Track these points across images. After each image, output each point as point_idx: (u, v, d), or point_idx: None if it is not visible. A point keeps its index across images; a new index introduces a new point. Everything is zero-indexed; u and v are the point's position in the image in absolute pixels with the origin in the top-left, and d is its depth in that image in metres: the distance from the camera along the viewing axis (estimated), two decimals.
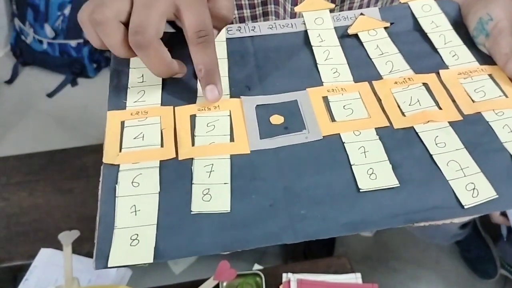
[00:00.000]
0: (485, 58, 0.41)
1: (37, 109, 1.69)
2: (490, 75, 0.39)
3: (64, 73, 1.75)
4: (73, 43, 1.70)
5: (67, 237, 0.59)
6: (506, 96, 0.38)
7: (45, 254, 0.65)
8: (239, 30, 0.44)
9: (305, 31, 0.44)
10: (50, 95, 1.72)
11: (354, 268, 0.66)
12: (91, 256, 0.92)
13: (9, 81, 1.76)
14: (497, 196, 0.32)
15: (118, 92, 0.39)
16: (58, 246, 0.58)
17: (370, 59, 0.41)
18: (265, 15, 0.72)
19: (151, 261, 0.29)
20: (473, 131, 0.35)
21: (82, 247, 0.92)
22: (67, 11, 1.67)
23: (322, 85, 0.39)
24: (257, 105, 0.38)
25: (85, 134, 1.58)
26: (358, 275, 0.63)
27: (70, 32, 1.69)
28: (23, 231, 0.95)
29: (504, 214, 0.86)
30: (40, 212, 0.98)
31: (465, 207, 0.31)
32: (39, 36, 1.71)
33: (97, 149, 1.13)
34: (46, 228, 1.03)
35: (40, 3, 1.68)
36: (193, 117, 0.37)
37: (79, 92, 1.74)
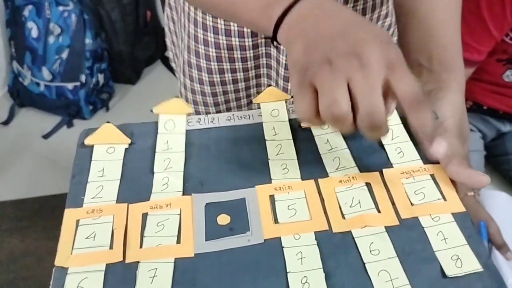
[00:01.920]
0: None
1: (33, 150, 1.70)
2: (432, 175, 0.40)
3: (60, 114, 1.77)
4: (69, 85, 1.73)
5: None
6: (445, 200, 0.38)
7: None
8: (199, 122, 0.45)
9: (261, 123, 0.45)
10: (45, 136, 1.73)
11: None
12: None
13: (5, 122, 1.77)
14: None
15: (78, 188, 0.40)
16: None
17: (319, 154, 0.42)
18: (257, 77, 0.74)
19: None
20: (408, 237, 0.36)
21: None
22: (64, 54, 1.71)
23: (271, 182, 0.40)
24: (207, 203, 0.38)
25: None
26: None
27: (67, 75, 1.72)
28: (13, 278, 0.94)
29: None
30: (30, 259, 0.98)
31: None
32: (37, 78, 1.74)
33: None
34: (35, 275, 1.03)
35: (38, 47, 1.72)
36: (145, 216, 0.37)
37: (75, 134, 1.75)
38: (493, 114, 1.06)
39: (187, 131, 0.44)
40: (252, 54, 0.68)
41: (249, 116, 0.46)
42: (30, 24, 1.72)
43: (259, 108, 0.46)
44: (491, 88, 1.02)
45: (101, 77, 1.78)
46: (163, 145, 0.42)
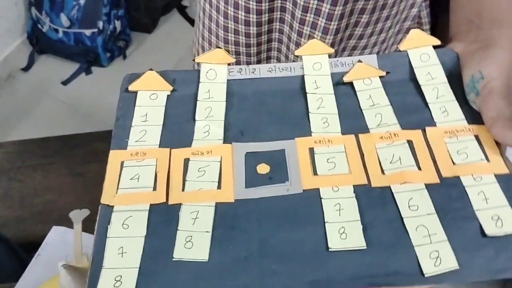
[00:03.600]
0: (475, 116, 0.40)
1: (52, 96, 1.73)
2: (476, 136, 0.39)
3: (79, 61, 1.79)
4: (87, 32, 1.74)
5: (78, 215, 0.63)
6: (488, 161, 0.37)
7: (56, 232, 0.69)
8: (240, 72, 0.45)
9: (303, 76, 0.44)
10: (64, 82, 1.76)
11: None
12: None
13: (25, 69, 1.80)
14: (458, 267, 0.32)
15: (122, 131, 0.40)
16: (70, 226, 0.62)
17: (361, 110, 0.41)
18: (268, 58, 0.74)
19: None
20: (448, 196, 0.35)
21: (93, 228, 0.96)
22: (82, 1, 1.71)
23: (311, 135, 0.40)
24: (247, 153, 0.39)
25: (97, 121, 1.63)
26: None
27: (85, 21, 1.72)
28: (37, 211, 0.99)
29: None
30: (53, 194, 1.02)
31: (426, 275, 0.31)
32: (55, 25, 1.75)
33: (107, 136, 1.17)
34: (58, 209, 1.08)
35: None
36: (186, 161, 0.38)
37: (93, 80, 1.78)
38: None
39: (228, 80, 0.44)
40: (267, 18, 0.67)
41: (291, 69, 0.45)
42: None
43: (301, 60, 0.45)
44: None
45: (118, 24, 1.79)
46: (204, 94, 0.43)
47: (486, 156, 0.38)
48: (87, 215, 0.63)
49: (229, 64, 0.45)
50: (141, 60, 1.84)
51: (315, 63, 0.45)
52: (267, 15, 0.67)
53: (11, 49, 1.79)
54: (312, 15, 0.64)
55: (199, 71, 0.45)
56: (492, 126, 0.37)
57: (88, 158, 1.13)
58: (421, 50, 0.44)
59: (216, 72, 0.44)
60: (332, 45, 0.66)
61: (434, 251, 0.32)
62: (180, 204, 0.36)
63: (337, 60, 0.45)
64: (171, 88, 0.43)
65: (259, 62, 0.74)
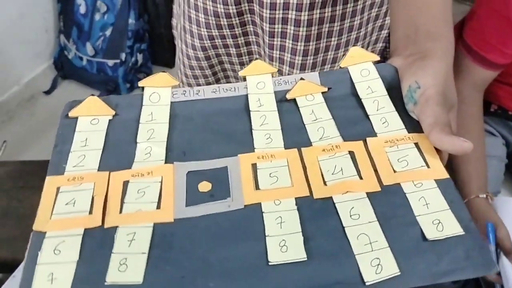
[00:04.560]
0: (415, 125, 0.40)
1: None
2: (416, 144, 0.39)
3: (99, 89, 1.84)
4: (110, 62, 1.80)
5: None
6: (428, 167, 0.38)
7: None
8: (184, 94, 0.44)
9: (247, 95, 0.44)
10: None
11: None
12: None
13: (48, 92, 1.86)
14: (399, 273, 0.31)
15: (60, 156, 0.40)
16: None
17: (304, 124, 0.42)
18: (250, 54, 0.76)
19: None
20: (390, 203, 0.36)
21: None
22: (108, 32, 1.78)
23: (254, 151, 0.40)
24: (189, 172, 0.39)
25: None
26: None
27: (109, 52, 1.79)
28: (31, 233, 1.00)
29: (498, 273, 0.85)
30: None
31: (367, 283, 0.31)
32: (80, 52, 1.82)
33: None
34: None
35: (85, 23, 1.80)
36: (126, 183, 0.37)
37: None
38: None
39: (172, 103, 0.44)
40: (238, 21, 0.69)
41: (235, 89, 0.45)
42: (79, 1, 1.80)
43: (245, 81, 0.46)
44: None
45: (140, 57, 1.84)
46: (147, 116, 0.42)
47: (426, 162, 0.38)
48: None
49: (173, 87, 0.45)
50: None
51: (258, 82, 0.45)
52: (237, 18, 0.69)
53: (37, 72, 1.87)
54: (280, 25, 0.66)
55: (142, 95, 0.45)
56: (431, 133, 0.38)
57: None
58: (361, 66, 0.45)
59: (159, 95, 0.44)
60: (305, 54, 0.68)
61: (375, 259, 0.32)
62: (116, 227, 0.35)
63: (280, 79, 0.46)
64: (113, 112, 0.43)
65: (240, 58, 0.76)
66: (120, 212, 0.36)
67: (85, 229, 0.34)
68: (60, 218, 0.35)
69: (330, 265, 0.32)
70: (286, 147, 0.40)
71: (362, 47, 0.69)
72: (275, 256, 0.33)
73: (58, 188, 0.37)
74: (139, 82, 0.45)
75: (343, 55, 0.68)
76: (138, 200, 0.36)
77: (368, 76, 0.45)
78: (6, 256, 0.94)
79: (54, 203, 0.36)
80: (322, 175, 0.38)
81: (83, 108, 0.43)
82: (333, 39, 0.67)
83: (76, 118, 0.42)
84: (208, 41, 0.73)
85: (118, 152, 0.40)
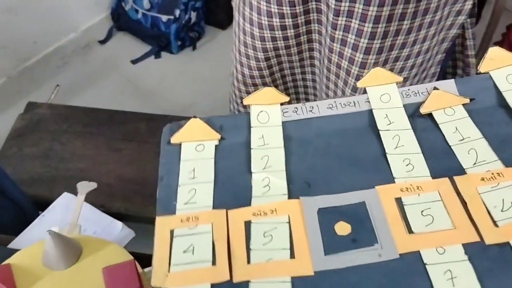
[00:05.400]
0: None
1: (120, 72, 1.82)
2: None
3: (151, 44, 1.86)
4: (164, 18, 1.80)
5: (84, 186, 0.64)
6: None
7: (66, 198, 0.71)
8: (296, 112, 0.39)
9: (370, 111, 0.39)
10: (134, 61, 1.84)
11: None
12: (120, 215, 0.98)
13: (103, 41, 1.90)
14: None
15: (168, 191, 0.36)
16: (90, 197, 0.63)
17: (449, 146, 0.36)
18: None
19: None
20: None
21: (113, 204, 0.99)
22: None
23: (394, 181, 0.34)
24: (319, 209, 0.33)
25: (154, 103, 1.68)
26: None
27: (164, 7, 1.79)
28: (68, 176, 1.04)
29: None
30: (87, 163, 1.07)
31: None
32: (137, 5, 1.83)
33: (153, 118, 1.21)
34: (88, 178, 1.12)
35: None
36: (247, 224, 0.33)
37: (160, 65, 1.84)
38: None
39: (283, 123, 0.39)
40: (303, 20, 0.67)
41: (354, 103, 0.39)
42: None
43: (365, 93, 0.40)
44: None
45: (193, 15, 1.84)
46: (258, 141, 0.37)
47: None
48: (94, 189, 0.64)
49: (282, 104, 0.40)
50: (209, 54, 1.88)
51: (382, 94, 0.39)
52: (302, 17, 0.65)
53: (94, 21, 1.90)
54: (344, 18, 0.61)
55: (248, 114, 0.40)
56: None
57: (128, 136, 1.18)
58: (505, 70, 0.39)
59: (268, 114, 0.39)
60: (372, 37, 0.62)
61: None
62: (248, 282, 0.30)
63: (408, 89, 0.39)
64: (219, 136, 0.38)
65: (301, 60, 0.73)
66: (248, 262, 0.31)
67: (211, 285, 0.30)
68: (181, 271, 0.31)
69: None
70: (433, 175, 0.34)
71: (435, 32, 0.64)
72: None
73: (171, 231, 0.33)
74: (243, 100, 0.41)
75: (414, 40, 0.63)
76: (267, 247, 0.32)
77: None
78: (44, 194, 0.98)
79: (170, 250, 0.32)
80: (488, 212, 0.31)
81: (186, 132, 0.39)
82: (405, 22, 0.62)
83: (179, 144, 0.38)
84: (268, 31, 0.70)
85: (231, 184, 0.36)
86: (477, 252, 0.29)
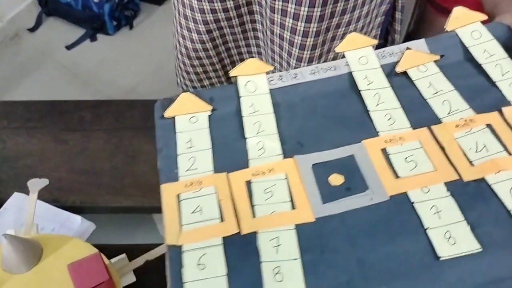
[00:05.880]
0: None
1: (55, 60, 1.73)
2: None
3: (85, 27, 1.79)
4: None
5: (35, 184, 0.62)
6: None
7: (17, 198, 0.68)
8: (281, 79, 0.42)
9: (350, 73, 0.41)
10: (69, 47, 1.76)
11: None
12: (76, 208, 0.94)
13: (32, 29, 1.81)
14: None
15: (168, 161, 0.38)
16: (42, 193, 0.61)
17: (425, 99, 0.38)
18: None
19: None
20: None
21: (67, 198, 0.96)
22: None
23: (378, 135, 0.37)
24: (313, 164, 0.36)
25: (95, 89, 1.63)
26: None
27: None
28: (14, 175, 0.99)
29: None
30: (33, 159, 1.03)
31: None
32: None
33: (97, 105, 1.17)
34: (36, 175, 1.07)
35: None
36: (248, 184, 0.35)
37: (97, 48, 1.77)
38: None
39: (270, 90, 0.41)
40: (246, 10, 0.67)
41: (335, 67, 0.42)
42: None
43: (343, 57, 0.42)
44: None
45: None
46: (248, 108, 0.40)
47: None
48: (46, 185, 0.62)
49: (267, 73, 0.42)
50: (147, 32, 1.82)
51: (360, 57, 0.42)
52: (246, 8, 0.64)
53: (20, 8, 1.80)
54: None
55: (236, 85, 0.42)
56: None
57: (74, 126, 1.13)
58: (470, 28, 0.41)
59: (255, 83, 0.41)
60: (309, 21, 0.64)
61: None
62: (255, 233, 0.32)
63: (384, 51, 0.42)
64: (211, 107, 0.41)
65: (244, 32, 0.72)
66: (254, 216, 0.33)
67: (223, 238, 0.32)
68: (192, 229, 0.33)
69: (507, 255, 0.29)
70: (413, 126, 0.37)
71: (368, 10, 0.64)
72: (445, 250, 0.30)
73: (177, 196, 0.35)
74: (230, 72, 0.42)
75: (354, 5, 0.64)
76: (269, 201, 0.34)
77: (481, 38, 0.41)
78: None
79: (179, 212, 0.34)
80: (464, 154, 0.34)
81: (178, 106, 0.41)
82: (339, 4, 0.63)
83: (173, 117, 0.40)
84: (214, 24, 0.70)
85: (228, 150, 0.38)
86: (457, 189, 0.33)
